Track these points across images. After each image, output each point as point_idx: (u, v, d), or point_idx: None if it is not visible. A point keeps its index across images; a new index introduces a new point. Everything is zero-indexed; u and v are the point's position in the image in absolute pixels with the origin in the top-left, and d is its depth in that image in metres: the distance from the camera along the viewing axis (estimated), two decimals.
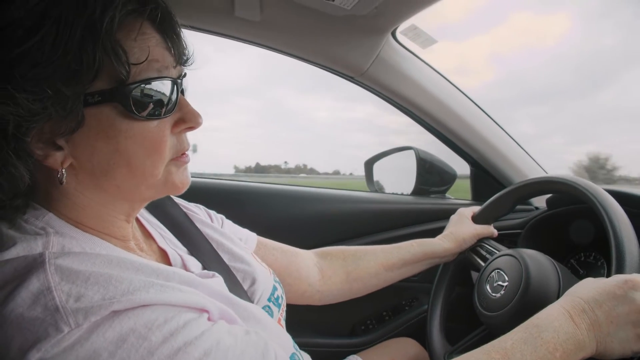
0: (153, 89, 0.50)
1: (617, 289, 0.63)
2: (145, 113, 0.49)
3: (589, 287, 0.65)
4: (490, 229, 1.06)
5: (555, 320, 0.61)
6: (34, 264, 0.44)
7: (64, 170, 0.49)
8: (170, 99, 0.52)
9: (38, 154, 0.48)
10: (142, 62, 0.49)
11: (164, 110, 0.51)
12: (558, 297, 0.73)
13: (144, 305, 0.44)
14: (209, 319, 0.49)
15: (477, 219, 1.08)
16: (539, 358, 0.57)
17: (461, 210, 1.11)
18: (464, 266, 1.08)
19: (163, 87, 0.51)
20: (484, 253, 1.01)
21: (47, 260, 0.44)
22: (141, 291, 0.45)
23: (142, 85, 0.49)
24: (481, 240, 1.05)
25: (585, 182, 0.84)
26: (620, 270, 0.68)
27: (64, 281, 0.43)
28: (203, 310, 0.49)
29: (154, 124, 0.51)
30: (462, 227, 1.06)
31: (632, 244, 0.71)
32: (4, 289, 0.43)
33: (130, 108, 0.48)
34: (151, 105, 0.50)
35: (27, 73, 0.43)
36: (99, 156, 0.49)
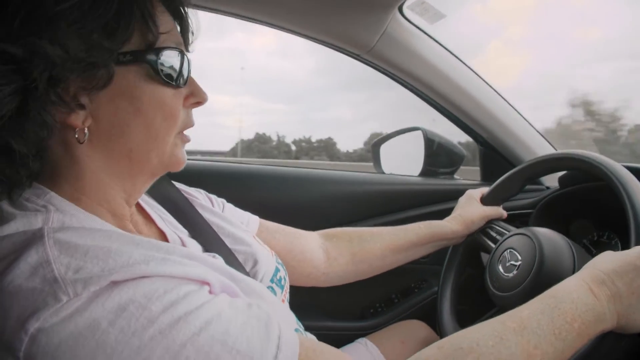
0: (174, 58, 0.54)
1: (638, 260, 0.61)
2: (167, 79, 0.53)
3: (608, 259, 0.63)
4: (500, 211, 1.04)
5: (573, 291, 0.59)
6: (33, 238, 0.44)
7: (86, 129, 0.51)
8: (185, 71, 0.56)
9: (69, 104, 0.49)
10: (166, 32, 0.54)
11: (180, 80, 0.55)
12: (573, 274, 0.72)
13: (143, 277, 0.44)
14: (210, 292, 0.49)
15: (485, 200, 1.05)
16: (556, 328, 0.55)
17: (469, 191, 1.09)
18: (473, 247, 1.06)
19: (181, 58, 0.55)
20: (493, 234, 0.99)
21: (45, 234, 0.44)
22: (141, 264, 0.44)
23: (167, 52, 0.53)
24: (490, 222, 1.03)
25: (599, 157, 0.81)
26: (639, 242, 0.66)
27: (63, 254, 0.43)
28: (204, 283, 0.48)
29: (172, 91, 0.55)
30: (471, 209, 1.04)
31: None
32: (2, 262, 0.43)
33: (157, 71, 0.52)
34: (172, 73, 0.54)
35: (70, 27, 0.46)
36: (120, 115, 0.52)
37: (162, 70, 0.53)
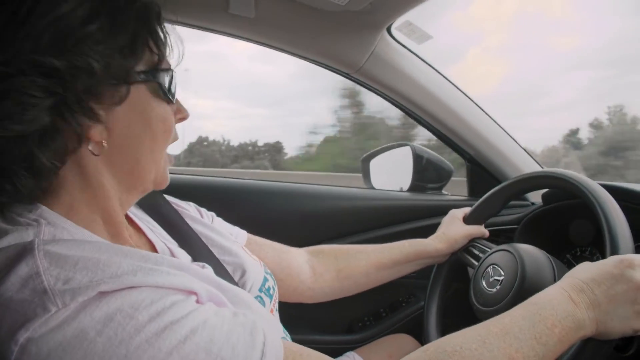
0: (170, 77, 0.59)
1: (613, 268, 0.64)
2: (168, 96, 0.58)
3: (587, 269, 0.66)
4: (482, 229, 1.07)
5: (553, 299, 0.62)
6: (24, 251, 0.45)
7: (104, 142, 0.53)
8: (175, 89, 0.60)
9: (96, 117, 0.52)
10: (167, 55, 0.59)
11: (173, 97, 0.60)
12: None
13: (131, 287, 0.45)
14: (197, 302, 0.50)
15: (468, 219, 1.08)
16: (537, 333, 0.57)
17: (453, 211, 1.12)
18: (459, 265, 1.08)
19: (172, 77, 0.59)
20: (476, 252, 1.01)
21: (36, 246, 0.45)
22: (129, 274, 0.45)
23: (167, 72, 0.58)
24: (473, 241, 1.06)
25: (576, 174, 0.84)
26: (614, 252, 0.69)
27: (53, 266, 0.44)
28: (191, 293, 0.50)
29: (168, 107, 0.59)
30: (454, 228, 1.06)
31: (624, 229, 0.71)
32: None
33: (163, 88, 0.57)
34: (169, 90, 0.58)
35: (97, 46, 0.49)
36: (132, 129, 0.55)
37: (166, 88, 0.58)
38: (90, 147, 0.52)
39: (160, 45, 0.57)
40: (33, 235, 0.47)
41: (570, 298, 0.61)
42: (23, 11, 0.46)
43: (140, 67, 0.55)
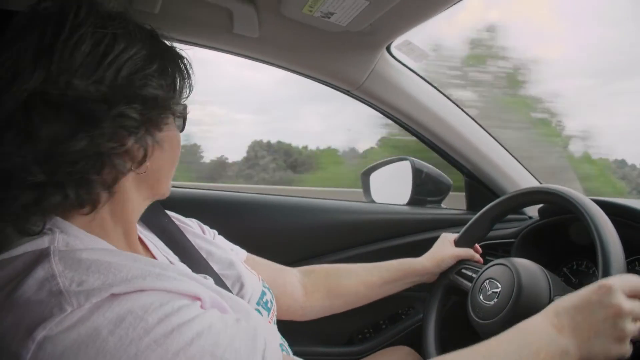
0: (186, 109, 0.67)
1: (592, 295, 0.65)
2: (184, 125, 0.68)
3: (569, 297, 0.68)
4: (470, 252, 1.09)
5: (538, 325, 0.65)
6: (40, 256, 0.48)
7: (148, 164, 0.59)
8: None
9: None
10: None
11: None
12: (549, 303, 0.75)
13: (141, 290, 0.48)
14: (201, 307, 0.53)
15: (458, 242, 1.10)
16: (522, 357, 0.60)
17: (445, 234, 1.14)
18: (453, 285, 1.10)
19: (186, 109, 0.67)
20: (469, 274, 1.03)
21: (51, 252, 0.49)
22: (138, 278, 0.49)
23: (186, 106, 0.66)
24: (464, 263, 1.07)
25: (565, 189, 0.87)
26: (606, 273, 0.71)
27: (67, 269, 0.47)
28: (196, 298, 0.53)
29: (180, 134, 0.67)
30: (443, 249, 1.09)
31: (616, 248, 0.74)
32: (14, 280, 0.47)
33: (185, 119, 0.67)
34: (185, 120, 0.68)
35: (157, 82, 0.57)
36: (165, 154, 0.62)
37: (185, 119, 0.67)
38: (133, 168, 0.58)
39: (185, 84, 0.64)
40: (48, 242, 0.51)
41: (554, 325, 0.64)
42: (108, 51, 0.52)
43: (176, 101, 0.62)
